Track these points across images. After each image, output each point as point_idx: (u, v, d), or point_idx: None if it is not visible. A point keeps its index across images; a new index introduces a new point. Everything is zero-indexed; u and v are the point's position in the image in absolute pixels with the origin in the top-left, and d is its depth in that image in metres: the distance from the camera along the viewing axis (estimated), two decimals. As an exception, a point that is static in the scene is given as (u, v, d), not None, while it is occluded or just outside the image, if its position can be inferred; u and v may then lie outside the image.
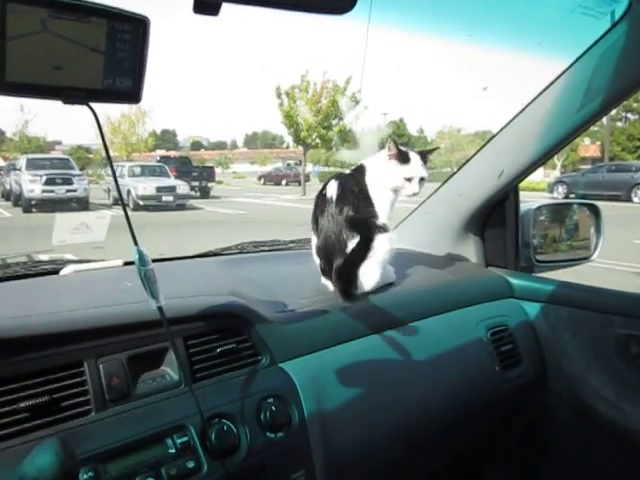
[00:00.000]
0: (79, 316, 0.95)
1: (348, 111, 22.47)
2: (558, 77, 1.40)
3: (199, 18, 0.63)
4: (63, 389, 0.84)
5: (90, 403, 0.85)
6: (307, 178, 26.75)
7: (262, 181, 36.83)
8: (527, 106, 1.48)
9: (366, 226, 1.27)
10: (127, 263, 1.34)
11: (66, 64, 0.66)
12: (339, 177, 1.36)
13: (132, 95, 0.71)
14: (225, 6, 0.62)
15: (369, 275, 1.30)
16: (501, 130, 1.56)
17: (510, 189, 1.60)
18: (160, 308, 0.80)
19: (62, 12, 0.63)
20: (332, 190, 1.32)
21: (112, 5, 0.67)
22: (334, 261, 1.30)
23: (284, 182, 34.01)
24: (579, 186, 19.43)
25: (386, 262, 1.34)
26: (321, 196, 1.35)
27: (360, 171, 1.37)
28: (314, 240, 1.35)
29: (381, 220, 1.31)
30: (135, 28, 0.69)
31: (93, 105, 0.70)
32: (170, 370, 0.95)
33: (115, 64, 0.68)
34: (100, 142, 0.78)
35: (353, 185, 1.33)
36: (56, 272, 1.29)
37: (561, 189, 20.63)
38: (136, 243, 0.78)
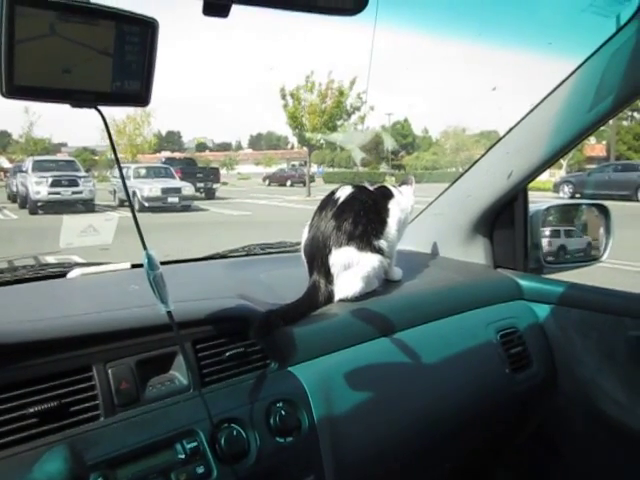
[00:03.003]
0: (87, 320, 0.95)
1: (353, 112, 22.46)
2: (568, 77, 1.38)
3: (204, 19, 0.62)
4: (72, 394, 0.83)
5: (99, 408, 0.84)
6: (312, 179, 26.75)
7: (267, 182, 36.88)
8: (537, 106, 1.46)
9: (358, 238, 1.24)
10: (135, 266, 1.33)
11: (75, 67, 0.65)
12: (356, 185, 1.32)
13: (140, 98, 0.71)
14: (234, 8, 0.61)
15: (348, 285, 1.25)
16: (510, 130, 1.54)
17: (519, 190, 1.59)
18: (169, 313, 0.79)
19: (71, 15, 0.63)
20: (342, 193, 1.28)
21: (121, 8, 0.66)
22: (314, 263, 1.26)
23: (289, 183, 34.06)
24: (585, 186, 19.33)
25: (371, 277, 1.28)
26: (328, 196, 1.31)
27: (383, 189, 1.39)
28: (304, 235, 1.31)
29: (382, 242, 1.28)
30: (144, 31, 0.68)
31: (101, 108, 0.69)
32: (179, 374, 0.95)
33: (124, 67, 0.68)
34: (106, 144, 0.78)
35: (367, 197, 1.30)
36: (63, 275, 1.29)
37: (567, 189, 20.53)
38: (145, 247, 0.77)
